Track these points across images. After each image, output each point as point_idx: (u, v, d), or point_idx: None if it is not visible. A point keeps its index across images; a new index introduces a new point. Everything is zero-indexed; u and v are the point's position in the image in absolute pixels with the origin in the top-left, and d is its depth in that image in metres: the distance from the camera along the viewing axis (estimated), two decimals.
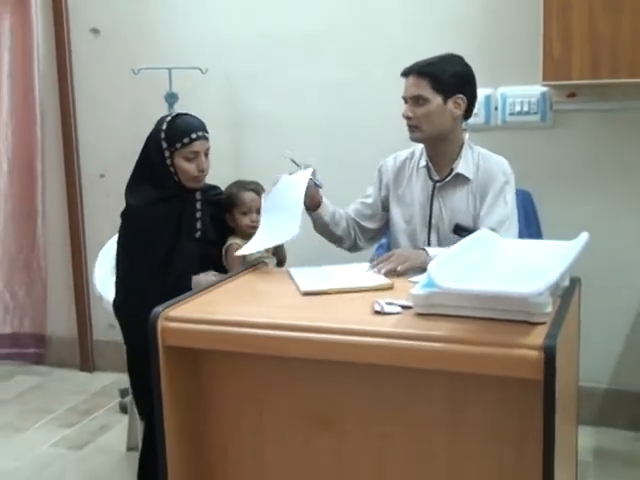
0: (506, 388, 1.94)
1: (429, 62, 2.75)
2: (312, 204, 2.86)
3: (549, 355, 1.75)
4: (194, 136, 2.78)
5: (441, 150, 2.81)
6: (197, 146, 2.78)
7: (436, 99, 2.72)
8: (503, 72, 3.41)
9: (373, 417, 2.12)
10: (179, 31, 4.00)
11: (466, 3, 3.51)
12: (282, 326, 2.04)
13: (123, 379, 3.67)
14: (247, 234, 2.85)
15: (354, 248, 3.03)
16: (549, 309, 1.93)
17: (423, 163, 2.86)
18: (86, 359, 4.43)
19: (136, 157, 2.95)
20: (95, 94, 4.24)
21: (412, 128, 2.77)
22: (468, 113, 2.81)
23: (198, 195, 2.89)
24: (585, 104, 3.38)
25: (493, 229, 2.58)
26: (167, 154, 2.80)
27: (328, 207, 2.92)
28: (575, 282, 2.26)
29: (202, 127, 2.83)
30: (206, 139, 2.82)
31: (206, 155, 2.83)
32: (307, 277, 2.46)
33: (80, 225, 4.36)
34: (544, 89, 3.40)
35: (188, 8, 3.97)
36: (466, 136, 2.84)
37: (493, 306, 1.93)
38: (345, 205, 3.03)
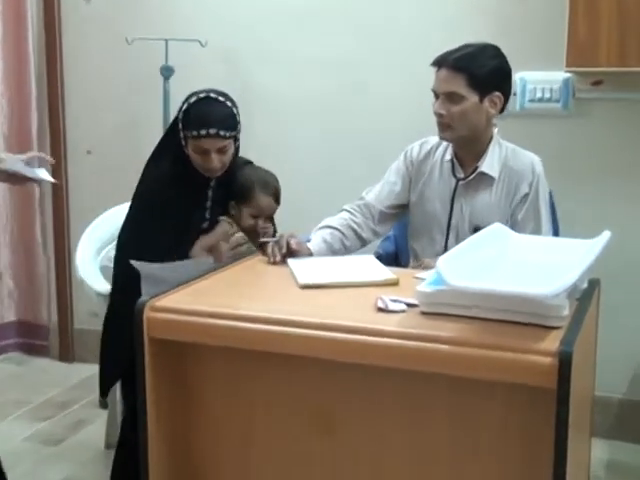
0: (516, 396, 1.92)
1: (465, 54, 2.68)
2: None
3: (564, 362, 1.74)
4: (203, 133, 2.64)
5: (469, 148, 2.78)
6: (205, 144, 2.66)
7: (472, 97, 2.67)
8: (523, 55, 3.38)
9: (372, 421, 2.11)
10: (179, 1, 3.97)
11: None
12: (277, 321, 2.02)
13: None
14: (246, 232, 2.84)
15: (374, 239, 2.97)
16: (565, 312, 1.92)
17: (448, 157, 2.83)
18: (66, 348, 4.42)
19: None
20: (85, 65, 4.21)
21: (443, 126, 2.72)
22: (503, 109, 2.77)
23: (213, 182, 2.80)
24: (611, 93, 3.37)
25: None
26: (182, 135, 2.72)
27: (321, 248, 2.76)
28: (594, 284, 2.24)
29: (218, 124, 2.66)
30: (220, 137, 2.66)
31: (222, 152, 2.69)
32: (306, 269, 2.45)
33: (64, 204, 4.34)
34: (567, 75, 3.38)
35: None
36: (495, 131, 2.81)
37: (505, 307, 1.91)
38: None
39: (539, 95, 3.45)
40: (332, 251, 2.78)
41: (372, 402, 2.10)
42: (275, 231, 2.91)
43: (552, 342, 1.81)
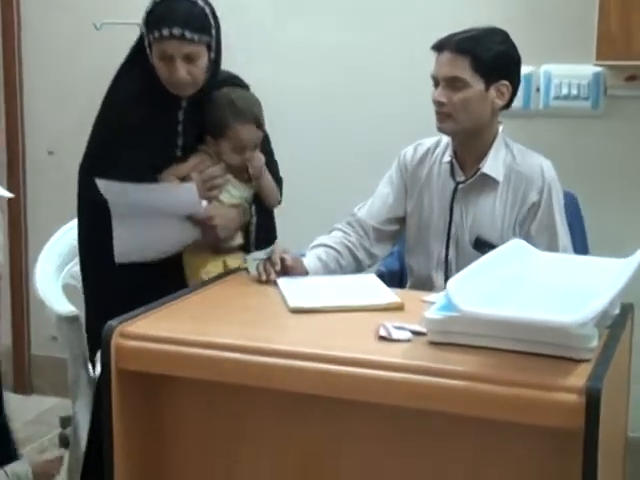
0: (539, 438, 1.93)
1: (470, 36, 2.72)
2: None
3: (593, 400, 1.74)
4: (165, 33, 2.56)
5: (470, 146, 2.80)
6: (168, 47, 2.58)
7: (477, 84, 2.69)
8: (548, 46, 3.41)
9: (372, 466, 2.11)
10: None
11: None
12: (263, 351, 2.03)
13: (65, 405, 3.65)
14: (233, 170, 2.76)
15: (370, 262, 2.97)
16: (594, 343, 1.92)
17: (447, 158, 2.84)
18: (21, 378, 4.41)
19: None
20: (47, 53, 4.22)
21: (442, 116, 2.74)
22: (510, 102, 2.80)
23: (184, 102, 2.73)
24: None
25: None
26: (147, 42, 2.65)
27: (317, 267, 2.79)
28: (627, 310, 2.25)
29: (182, 23, 2.56)
30: (186, 40, 2.57)
31: (190, 60, 2.60)
32: (298, 290, 2.46)
33: (22, 212, 4.34)
34: (597, 69, 3.40)
35: None
36: (500, 129, 2.82)
37: (525, 337, 1.92)
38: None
39: (565, 91, 3.45)
40: (328, 271, 2.79)
41: (373, 444, 2.10)
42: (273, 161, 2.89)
43: (578, 377, 1.81)
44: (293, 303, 2.33)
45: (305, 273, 2.69)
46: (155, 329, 2.16)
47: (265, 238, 2.85)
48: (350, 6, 3.72)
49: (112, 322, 2.13)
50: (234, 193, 2.78)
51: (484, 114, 2.73)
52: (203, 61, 2.64)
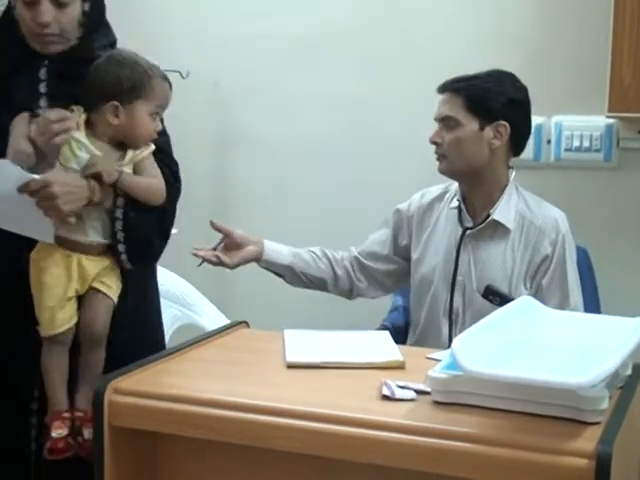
0: None
1: (471, 76, 2.77)
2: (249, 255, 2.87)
3: (603, 465, 1.72)
4: None
5: (477, 190, 2.81)
6: None
7: (470, 124, 2.72)
8: (560, 97, 3.43)
9: None
10: (155, 26, 4.01)
11: (518, 11, 3.54)
12: (262, 409, 2.01)
13: None
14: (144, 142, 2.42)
15: (350, 292, 3.01)
16: (604, 405, 1.91)
17: (455, 203, 2.85)
18: None
19: None
20: None
21: (440, 157, 2.78)
22: (517, 147, 2.81)
23: (46, 62, 2.42)
24: None
25: None
26: None
27: (275, 248, 2.90)
28: (639, 371, 2.24)
29: None
30: None
31: (58, 5, 2.33)
32: (300, 343, 2.45)
33: None
34: (610, 121, 3.42)
35: None
36: (512, 176, 2.82)
37: (532, 398, 1.90)
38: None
39: (577, 143, 3.48)
40: (298, 259, 2.91)
41: None
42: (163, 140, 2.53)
43: (588, 441, 1.79)
44: (290, 358, 2.33)
45: (259, 252, 2.85)
46: (150, 385, 2.15)
47: (141, 239, 2.42)
48: (357, 54, 3.74)
49: (105, 377, 2.13)
50: (81, 155, 2.32)
51: (479, 155, 2.75)
52: (74, 9, 2.39)
